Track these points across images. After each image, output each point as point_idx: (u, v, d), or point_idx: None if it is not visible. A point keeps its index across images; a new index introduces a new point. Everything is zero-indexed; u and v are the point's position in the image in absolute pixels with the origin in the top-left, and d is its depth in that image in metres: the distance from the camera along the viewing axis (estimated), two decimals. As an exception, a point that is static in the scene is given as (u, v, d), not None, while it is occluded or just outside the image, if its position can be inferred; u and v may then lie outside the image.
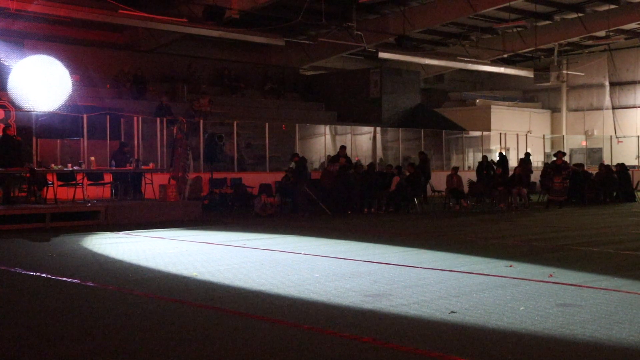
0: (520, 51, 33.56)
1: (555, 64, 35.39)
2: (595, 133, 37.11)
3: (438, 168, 28.08)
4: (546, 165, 23.63)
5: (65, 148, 19.79)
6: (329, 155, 23.35)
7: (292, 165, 19.73)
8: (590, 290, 7.46)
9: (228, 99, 28.07)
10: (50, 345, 5.54)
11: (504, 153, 26.34)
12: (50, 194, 16.37)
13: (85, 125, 18.80)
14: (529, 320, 6.05)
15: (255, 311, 6.57)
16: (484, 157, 24.49)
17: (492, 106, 35.74)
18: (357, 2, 25.84)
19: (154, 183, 18.04)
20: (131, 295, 7.49)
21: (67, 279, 8.40)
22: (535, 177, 24.39)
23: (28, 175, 16.03)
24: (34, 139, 18.26)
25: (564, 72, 36.24)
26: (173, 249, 11.38)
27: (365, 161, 25.42)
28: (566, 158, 26.76)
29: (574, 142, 37.07)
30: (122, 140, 19.61)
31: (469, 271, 8.77)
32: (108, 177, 18.34)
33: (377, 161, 26.89)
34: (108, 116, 19.65)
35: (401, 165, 23.69)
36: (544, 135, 34.82)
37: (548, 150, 34.01)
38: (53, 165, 17.15)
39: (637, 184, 25.39)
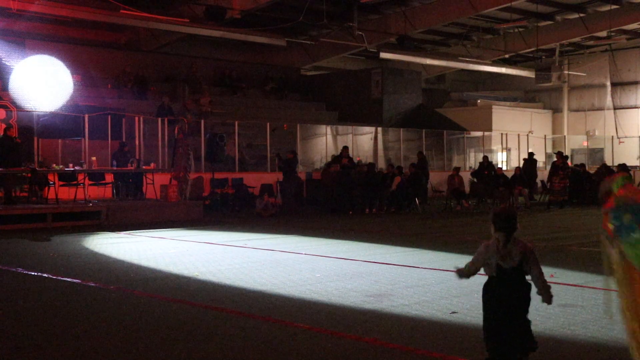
0: (522, 51, 33.51)
1: (557, 64, 35.32)
2: (596, 133, 37.06)
3: (439, 168, 28.06)
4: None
5: (66, 148, 19.78)
6: (333, 156, 23.37)
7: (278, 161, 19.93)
8: (591, 291, 7.45)
9: (229, 99, 28.06)
10: (51, 345, 5.54)
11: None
12: (51, 194, 16.38)
13: (86, 125, 18.79)
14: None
15: (256, 311, 6.57)
16: (485, 158, 24.48)
17: (493, 106, 35.69)
18: (359, 2, 25.82)
19: (155, 183, 18.05)
20: (132, 296, 7.50)
21: (68, 279, 8.41)
22: (541, 177, 24.37)
23: (29, 175, 16.03)
24: (35, 139, 18.24)
25: (566, 72, 36.20)
26: (174, 249, 11.39)
27: (366, 161, 25.37)
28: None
29: (575, 142, 37.04)
30: (123, 140, 19.62)
31: (470, 271, 8.75)
32: (109, 177, 18.35)
33: (386, 162, 26.81)
34: (109, 116, 19.65)
35: (402, 165, 23.68)
36: (545, 136, 34.79)
37: (549, 150, 33.97)
38: (54, 165, 17.17)
39: (639, 184, 25.36)
